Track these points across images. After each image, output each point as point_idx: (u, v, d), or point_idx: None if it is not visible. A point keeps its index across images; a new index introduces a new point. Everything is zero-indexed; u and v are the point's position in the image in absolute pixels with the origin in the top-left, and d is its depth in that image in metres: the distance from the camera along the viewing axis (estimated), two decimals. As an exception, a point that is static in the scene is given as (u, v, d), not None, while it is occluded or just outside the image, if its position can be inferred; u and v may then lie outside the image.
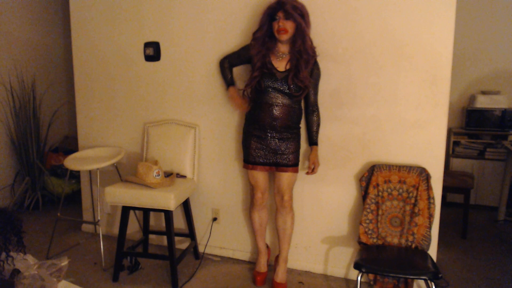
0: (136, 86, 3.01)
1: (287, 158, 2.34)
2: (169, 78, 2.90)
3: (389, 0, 2.30)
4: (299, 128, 2.43)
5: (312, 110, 2.41)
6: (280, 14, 2.19)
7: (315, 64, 2.32)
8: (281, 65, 2.29)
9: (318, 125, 2.43)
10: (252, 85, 2.32)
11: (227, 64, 2.55)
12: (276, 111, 2.27)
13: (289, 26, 2.19)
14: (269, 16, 2.24)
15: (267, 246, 2.67)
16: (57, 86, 4.36)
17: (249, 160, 2.41)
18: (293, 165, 2.37)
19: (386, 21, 2.32)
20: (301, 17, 2.19)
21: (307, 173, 2.42)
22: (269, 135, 2.33)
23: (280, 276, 2.46)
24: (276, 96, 2.27)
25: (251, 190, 2.52)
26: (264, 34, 2.28)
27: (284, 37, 2.22)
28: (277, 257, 2.56)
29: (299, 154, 2.43)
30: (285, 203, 2.41)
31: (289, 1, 2.19)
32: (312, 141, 2.45)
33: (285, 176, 2.37)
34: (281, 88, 2.26)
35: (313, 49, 2.27)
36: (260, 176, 2.42)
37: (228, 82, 2.55)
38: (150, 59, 2.93)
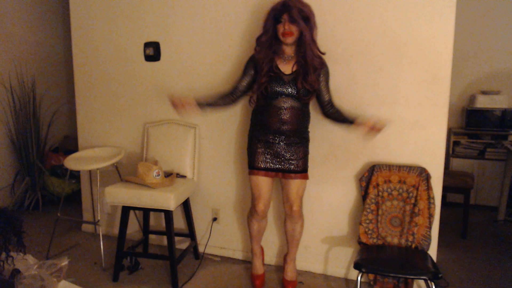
0: (136, 86, 3.01)
1: (296, 164, 2.23)
2: (169, 78, 2.90)
3: (389, 0, 2.30)
4: (308, 132, 2.34)
5: (330, 107, 2.28)
6: (285, 17, 2.09)
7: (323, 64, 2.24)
8: (287, 68, 2.20)
9: (343, 112, 2.27)
10: (260, 91, 2.21)
11: (229, 90, 2.35)
12: (285, 115, 2.18)
13: (294, 29, 2.11)
14: (274, 19, 2.15)
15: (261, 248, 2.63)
16: (57, 86, 4.36)
17: (254, 166, 2.28)
18: (302, 171, 2.26)
19: (386, 21, 2.32)
20: (306, 20, 2.11)
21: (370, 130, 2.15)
22: (277, 139, 2.22)
23: (290, 274, 2.45)
24: (284, 100, 2.18)
25: (252, 200, 2.37)
26: (270, 37, 2.18)
27: (290, 40, 2.14)
28: (285, 256, 2.53)
29: (308, 160, 2.32)
30: (294, 213, 2.30)
31: (295, 4, 2.09)
32: (353, 120, 2.20)
33: (294, 184, 2.25)
34: (289, 91, 2.17)
35: (319, 58, 2.18)
36: (264, 185, 2.28)
37: (205, 100, 2.30)
38: (150, 59, 2.93)
